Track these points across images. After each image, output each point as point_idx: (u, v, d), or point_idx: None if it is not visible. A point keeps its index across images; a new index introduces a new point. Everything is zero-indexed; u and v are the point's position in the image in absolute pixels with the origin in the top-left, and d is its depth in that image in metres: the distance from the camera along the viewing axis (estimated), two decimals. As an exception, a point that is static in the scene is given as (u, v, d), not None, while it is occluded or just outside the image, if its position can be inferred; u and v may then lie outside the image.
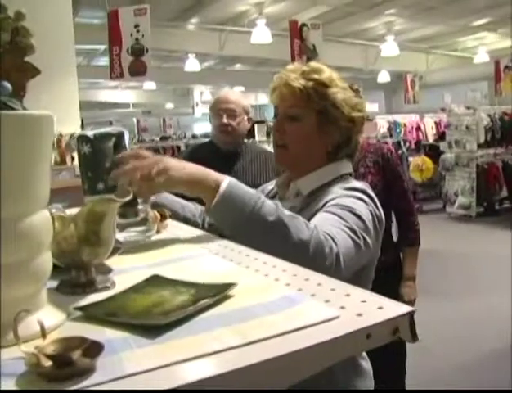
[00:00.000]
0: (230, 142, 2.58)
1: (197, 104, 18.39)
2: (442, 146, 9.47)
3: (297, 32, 8.30)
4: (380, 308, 0.68)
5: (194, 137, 12.81)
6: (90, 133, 1.45)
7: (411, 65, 13.72)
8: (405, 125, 10.28)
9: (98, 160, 1.47)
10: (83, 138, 1.48)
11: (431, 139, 10.50)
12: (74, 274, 0.94)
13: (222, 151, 2.59)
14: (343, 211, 1.20)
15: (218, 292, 0.78)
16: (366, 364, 1.37)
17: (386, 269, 2.17)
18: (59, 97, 7.59)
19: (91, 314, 0.76)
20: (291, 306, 0.72)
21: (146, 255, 1.12)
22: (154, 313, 0.75)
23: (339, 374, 1.25)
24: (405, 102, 13.41)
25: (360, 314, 0.67)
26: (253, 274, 0.90)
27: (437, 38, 12.95)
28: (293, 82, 1.35)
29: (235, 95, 2.67)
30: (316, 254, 1.04)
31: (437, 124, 10.66)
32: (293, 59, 8.29)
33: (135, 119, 16.52)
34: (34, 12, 4.77)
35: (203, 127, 16.28)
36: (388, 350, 2.15)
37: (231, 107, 2.53)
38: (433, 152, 9.55)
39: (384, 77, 14.45)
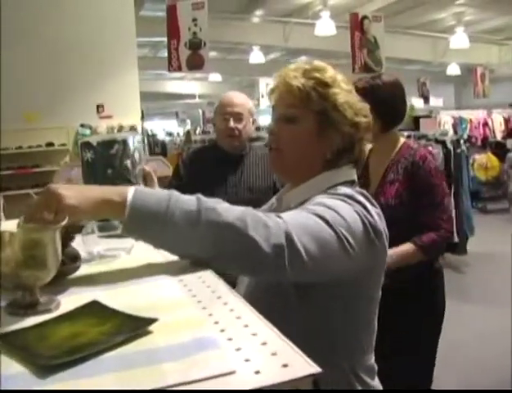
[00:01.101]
0: (236, 146, 2.55)
1: (262, 96, 18.36)
2: (510, 143, 8.98)
3: (357, 24, 8.10)
4: (285, 365, 0.61)
5: (257, 129, 12.77)
6: (94, 139, 1.46)
7: (483, 57, 13.12)
8: (471, 121, 9.84)
9: (101, 168, 1.48)
10: (86, 145, 1.49)
11: (499, 136, 9.96)
12: (20, 295, 0.93)
13: (227, 155, 2.56)
14: (317, 206, 1.08)
15: (139, 327, 0.77)
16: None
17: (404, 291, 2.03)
18: (120, 89, 7.78)
19: (5, 344, 0.75)
20: (196, 353, 0.68)
21: (107, 274, 1.09)
22: (64, 348, 0.73)
23: None
24: (474, 96, 12.84)
25: (258, 372, 0.60)
26: (192, 306, 0.85)
27: (510, 30, 12.29)
28: (291, 80, 1.22)
29: (241, 98, 2.58)
30: (250, 231, 0.94)
31: (506, 121, 10.10)
32: (353, 52, 8.11)
33: (200, 111, 16.72)
34: (98, 6, 4.93)
35: (268, 119, 16.27)
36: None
37: (238, 111, 2.49)
38: (500, 150, 9.07)
39: (453, 70, 13.88)
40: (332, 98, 1.21)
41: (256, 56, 12.96)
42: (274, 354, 0.65)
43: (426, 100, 13.00)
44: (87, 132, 7.53)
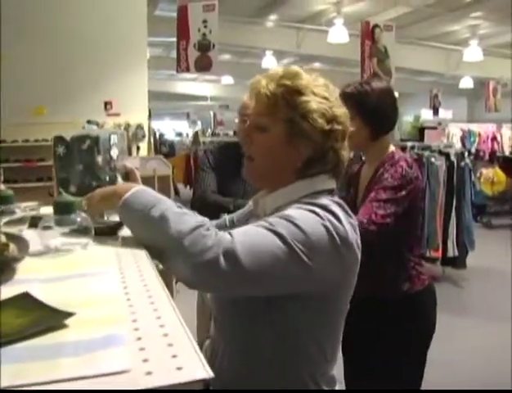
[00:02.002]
0: None
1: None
2: (517, 158, 8.91)
3: (368, 33, 8.06)
4: (179, 368, 0.61)
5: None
6: (67, 134, 1.46)
7: (496, 71, 13.02)
8: (480, 135, 9.76)
9: (72, 163, 1.48)
10: (59, 139, 1.49)
11: (507, 151, 9.88)
12: (-45, 284, 0.93)
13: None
14: (278, 219, 1.07)
15: (55, 321, 0.76)
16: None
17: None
18: (128, 87, 7.82)
19: None
20: (99, 349, 0.68)
21: (53, 266, 1.10)
22: None
23: None
24: (485, 110, 12.74)
25: (150, 373, 0.59)
26: (119, 303, 0.85)
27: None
28: (261, 88, 1.20)
29: None
30: (191, 245, 0.97)
31: (516, 136, 10.01)
32: (363, 60, 8.09)
33: (211, 113, 16.76)
34: (110, 3, 4.96)
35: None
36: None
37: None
38: (508, 165, 8.99)
39: (466, 83, 13.79)
40: (301, 106, 1.18)
41: (268, 61, 12.97)
42: (174, 356, 0.65)
43: (436, 112, 12.92)
44: (94, 128, 7.56)
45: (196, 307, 2.80)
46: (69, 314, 0.77)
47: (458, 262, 5.76)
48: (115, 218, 1.32)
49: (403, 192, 1.91)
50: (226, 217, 1.52)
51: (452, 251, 5.63)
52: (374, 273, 1.85)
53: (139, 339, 0.70)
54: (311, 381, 1.18)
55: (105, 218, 1.46)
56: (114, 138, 1.58)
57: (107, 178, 1.52)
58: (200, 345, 1.32)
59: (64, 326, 0.75)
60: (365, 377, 1.99)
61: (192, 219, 1.03)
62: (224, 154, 2.75)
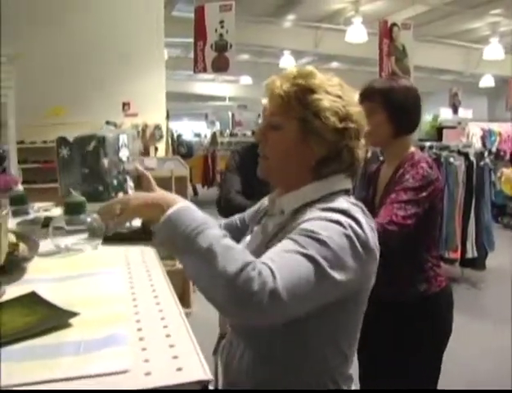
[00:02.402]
0: None
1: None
2: (539, 158, 8.75)
3: (386, 32, 7.99)
4: (179, 369, 0.61)
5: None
6: (71, 135, 1.43)
7: (518, 69, 12.85)
8: (500, 134, 9.63)
9: (76, 166, 1.44)
10: (62, 141, 1.45)
11: (529, 151, 9.74)
12: (-34, 282, 0.94)
13: None
14: (306, 238, 1.05)
15: (60, 320, 0.77)
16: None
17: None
18: (146, 88, 7.86)
19: None
20: (101, 349, 0.69)
21: (62, 265, 1.12)
22: None
23: None
24: (506, 109, 12.56)
25: (149, 373, 0.59)
26: (124, 302, 0.86)
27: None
28: (275, 89, 1.20)
29: None
30: (238, 288, 0.92)
31: (538, 135, 9.84)
32: (381, 59, 8.02)
33: (230, 113, 16.77)
34: (127, 4, 4.92)
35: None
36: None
37: None
38: (529, 165, 8.85)
39: (487, 81, 13.59)
40: (313, 105, 1.16)
41: (286, 61, 12.94)
42: (175, 357, 0.65)
43: (455, 110, 12.77)
44: (112, 128, 7.62)
45: None
46: (74, 314, 0.78)
47: (477, 263, 5.67)
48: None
49: (424, 194, 1.90)
50: (236, 218, 1.51)
51: (471, 252, 5.54)
52: (391, 273, 1.83)
53: (141, 339, 0.70)
54: (330, 380, 1.19)
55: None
56: (123, 139, 1.53)
57: (115, 182, 1.47)
58: (216, 344, 1.32)
59: (68, 325, 0.76)
60: (379, 377, 1.98)
61: (239, 255, 0.96)
62: (249, 155, 2.77)
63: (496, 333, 4.21)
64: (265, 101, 2.55)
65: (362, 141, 1.22)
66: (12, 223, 1.33)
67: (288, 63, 12.95)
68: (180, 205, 1.01)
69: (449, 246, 5.50)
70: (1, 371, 0.62)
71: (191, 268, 0.97)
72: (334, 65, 15.69)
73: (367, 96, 1.98)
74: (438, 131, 6.62)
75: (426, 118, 9.49)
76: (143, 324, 0.75)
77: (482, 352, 3.91)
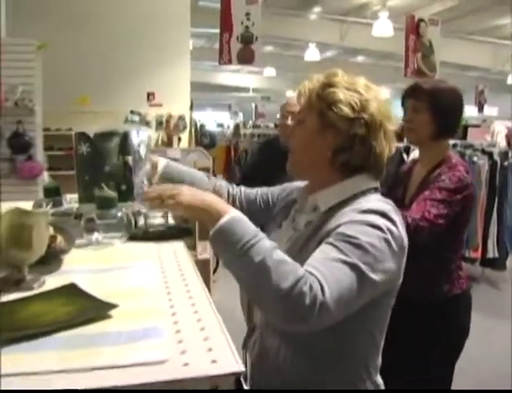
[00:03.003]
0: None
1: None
2: None
3: (413, 27, 7.93)
4: (214, 361, 0.65)
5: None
6: (91, 130, 1.40)
7: (547, 67, 12.64)
8: (526, 133, 9.50)
9: (97, 163, 1.38)
10: (81, 136, 1.39)
11: (555, 151, 9.57)
12: (9, 272, 1.00)
13: (284, 149, 2.65)
14: (348, 245, 1.08)
15: (99, 312, 0.82)
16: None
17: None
18: (171, 78, 7.91)
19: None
20: (139, 340, 0.73)
21: (96, 258, 1.17)
22: (26, 323, 0.80)
23: None
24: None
25: (186, 364, 0.64)
26: (159, 296, 0.90)
27: None
28: (304, 88, 1.31)
29: None
30: (291, 304, 0.96)
31: None
32: (406, 55, 7.97)
33: (253, 104, 16.75)
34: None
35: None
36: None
37: (295, 110, 2.67)
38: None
39: (514, 79, 13.44)
40: (328, 97, 1.24)
41: (311, 54, 12.88)
42: (210, 349, 0.69)
43: (481, 108, 12.63)
44: (136, 118, 7.71)
45: (241, 298, 2.87)
46: (113, 306, 0.82)
47: (498, 263, 5.63)
48: None
49: (458, 196, 1.92)
50: (258, 194, 1.53)
51: (492, 252, 5.52)
52: (418, 272, 1.86)
53: (178, 332, 0.75)
54: (365, 372, 1.26)
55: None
56: (141, 135, 1.50)
57: (137, 181, 1.43)
58: (245, 338, 1.36)
59: (108, 317, 0.80)
60: (396, 374, 2.00)
61: (291, 269, 0.99)
62: (265, 149, 2.83)
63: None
64: (288, 96, 2.63)
65: (382, 135, 1.26)
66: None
67: (313, 56, 12.89)
68: (231, 215, 1.04)
69: (470, 245, 5.48)
70: (47, 358, 0.66)
71: (244, 279, 1.01)
72: (360, 58, 15.59)
73: (414, 94, 2.04)
74: (463, 129, 6.56)
75: (451, 115, 9.45)
76: (178, 317, 0.80)
77: (501, 352, 3.91)
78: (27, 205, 1.47)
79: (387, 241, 1.12)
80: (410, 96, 2.05)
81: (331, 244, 1.09)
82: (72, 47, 7.21)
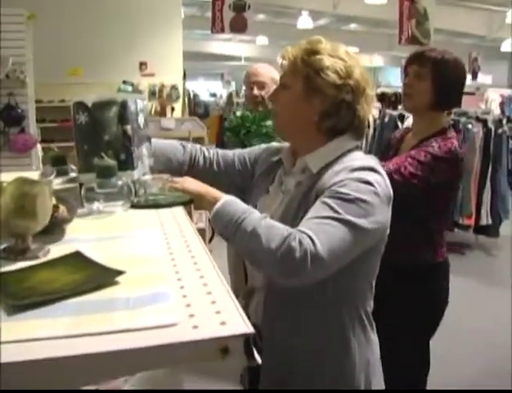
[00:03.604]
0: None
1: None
2: (560, 125, 8.60)
3: (407, -7, 7.85)
4: (223, 323, 0.66)
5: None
6: (89, 99, 1.38)
7: (541, 34, 12.54)
8: (520, 101, 9.50)
9: (96, 132, 1.36)
10: (79, 106, 1.36)
11: (549, 118, 9.58)
12: (13, 242, 1.00)
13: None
14: (341, 201, 1.17)
15: (107, 278, 0.83)
16: (373, 335, 1.40)
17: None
18: (163, 48, 7.83)
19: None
20: (148, 304, 0.75)
21: (101, 226, 1.17)
22: (36, 290, 0.81)
23: (353, 340, 1.32)
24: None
25: (196, 327, 0.65)
26: (164, 262, 0.92)
27: None
28: (287, 53, 1.35)
29: (265, 68, 2.84)
30: (283, 261, 1.08)
31: (559, 102, 9.68)
32: (401, 22, 7.90)
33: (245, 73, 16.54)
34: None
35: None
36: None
37: (260, 79, 2.74)
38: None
39: (508, 46, 13.30)
40: (314, 64, 1.29)
41: (304, 22, 12.71)
42: (218, 312, 0.70)
43: (474, 76, 12.57)
44: (129, 88, 7.64)
45: (228, 263, 2.90)
46: (120, 272, 0.83)
47: (491, 230, 5.70)
48: None
49: (443, 165, 1.91)
50: (234, 157, 1.57)
51: (486, 219, 5.57)
52: (404, 239, 1.88)
53: (185, 296, 0.76)
54: (364, 313, 1.35)
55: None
56: (140, 103, 1.48)
57: (136, 150, 1.42)
58: (241, 301, 1.41)
59: (115, 283, 0.82)
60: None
61: (279, 231, 1.11)
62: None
63: (507, 299, 4.27)
64: (253, 67, 2.71)
65: (364, 100, 1.34)
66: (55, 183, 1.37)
67: (305, 24, 12.73)
68: (225, 199, 1.22)
69: (463, 213, 5.53)
70: (58, 323, 0.67)
71: (242, 248, 1.18)
72: (353, 26, 15.41)
73: (418, 60, 2.02)
74: (457, 97, 6.55)
75: (444, 83, 9.41)
76: (184, 282, 0.81)
77: (495, 317, 3.98)
78: (32, 175, 1.48)
79: (376, 194, 1.21)
80: (414, 62, 2.04)
81: (324, 203, 1.18)
82: (62, 18, 7.11)
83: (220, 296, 0.76)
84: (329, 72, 1.28)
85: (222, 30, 7.19)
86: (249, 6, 7.06)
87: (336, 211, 1.15)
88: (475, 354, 3.36)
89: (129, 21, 7.49)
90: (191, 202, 1.33)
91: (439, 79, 1.97)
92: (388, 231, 1.33)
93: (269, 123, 2.51)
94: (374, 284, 1.39)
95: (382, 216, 1.23)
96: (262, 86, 2.74)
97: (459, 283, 4.58)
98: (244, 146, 2.36)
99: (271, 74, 2.76)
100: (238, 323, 0.67)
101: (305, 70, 1.30)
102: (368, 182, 1.21)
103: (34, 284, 0.83)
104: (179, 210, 1.32)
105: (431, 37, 8.02)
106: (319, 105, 1.30)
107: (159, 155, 1.55)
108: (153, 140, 1.56)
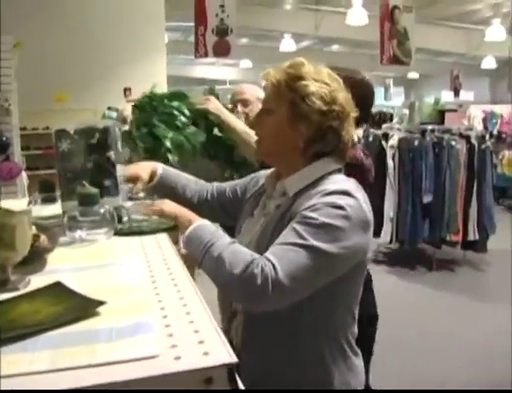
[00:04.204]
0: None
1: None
2: (540, 140, 8.73)
3: (388, 14, 7.97)
4: (206, 353, 0.65)
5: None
6: (71, 127, 1.37)
7: (520, 51, 12.76)
8: (502, 116, 9.62)
9: (79, 160, 1.36)
10: (61, 133, 1.36)
11: (531, 133, 9.72)
12: (-8, 273, 0.98)
13: None
14: (308, 227, 1.16)
15: (88, 309, 0.81)
16: (358, 361, 1.37)
17: None
18: (147, 73, 7.84)
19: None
20: (130, 335, 0.73)
21: (80, 255, 1.16)
22: (18, 323, 0.79)
23: (333, 368, 1.28)
24: (508, 90, 12.51)
25: (178, 358, 0.64)
26: (147, 290, 0.90)
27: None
28: (269, 78, 1.32)
29: (250, 88, 2.86)
30: (245, 286, 1.09)
31: (540, 117, 9.80)
32: (382, 42, 8.01)
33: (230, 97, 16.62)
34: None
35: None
36: None
37: (245, 97, 2.76)
38: (531, 147, 8.84)
39: (488, 63, 13.51)
40: (300, 89, 1.27)
41: (287, 44, 12.85)
42: (201, 342, 0.69)
43: (457, 93, 12.76)
44: (114, 114, 7.59)
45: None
46: (101, 303, 0.81)
47: (479, 246, 5.71)
48: None
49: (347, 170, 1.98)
50: (227, 188, 1.59)
51: (473, 235, 5.59)
52: None
53: (167, 326, 0.74)
54: (345, 341, 1.31)
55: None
56: (117, 130, 1.47)
57: (119, 176, 1.43)
58: (226, 324, 1.39)
59: (96, 314, 0.80)
60: None
61: (243, 257, 1.12)
62: None
63: (500, 314, 4.27)
64: (238, 87, 2.72)
65: (348, 124, 1.34)
66: (41, 210, 1.36)
67: (288, 46, 12.87)
68: (198, 223, 1.24)
69: (451, 229, 5.55)
70: (40, 358, 0.65)
71: (209, 272, 1.17)
72: (335, 47, 15.60)
73: None
74: (440, 114, 6.62)
75: (427, 101, 9.47)
76: (167, 311, 0.80)
77: (484, 332, 3.98)
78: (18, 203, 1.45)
79: (347, 217, 1.18)
80: None
81: (293, 228, 1.17)
82: (46, 46, 7.13)
83: (203, 325, 0.74)
84: (314, 98, 1.27)
85: (206, 55, 7.25)
86: (232, 30, 7.14)
87: (302, 237, 1.14)
88: (468, 367, 3.35)
89: (113, 47, 7.52)
90: (175, 228, 1.32)
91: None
92: (369, 255, 1.31)
93: (176, 103, 2.31)
94: (356, 311, 1.35)
95: (353, 241, 1.18)
96: (246, 104, 2.74)
97: (449, 299, 4.66)
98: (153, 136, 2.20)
99: (256, 93, 2.79)
100: (221, 353, 0.65)
101: (290, 95, 1.28)
102: (339, 207, 1.18)
103: (14, 318, 0.81)
104: (163, 237, 1.31)
105: (412, 56, 8.14)
106: (304, 131, 1.29)
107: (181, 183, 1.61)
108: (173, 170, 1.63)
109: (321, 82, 1.29)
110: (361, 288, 1.35)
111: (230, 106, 2.79)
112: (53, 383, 0.62)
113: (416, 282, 5.16)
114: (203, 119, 2.29)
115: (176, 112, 2.23)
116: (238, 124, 2.23)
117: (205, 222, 1.25)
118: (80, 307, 0.82)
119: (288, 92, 1.28)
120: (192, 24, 7.41)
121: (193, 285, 0.91)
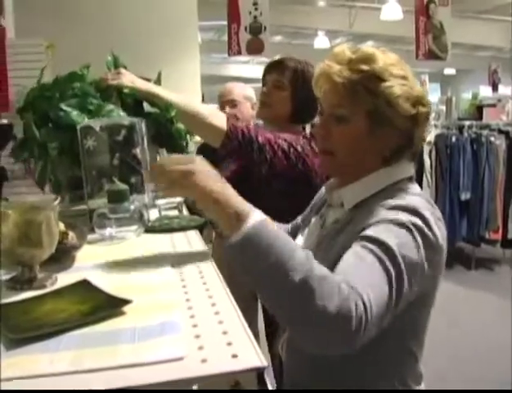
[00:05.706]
0: None
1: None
2: None
3: (422, 9, 7.79)
4: (234, 356, 0.61)
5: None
6: (96, 123, 1.35)
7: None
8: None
9: (105, 157, 1.33)
10: (86, 130, 1.33)
11: None
12: (20, 271, 0.97)
13: None
14: (380, 251, 0.93)
15: (114, 308, 0.79)
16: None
17: None
18: (181, 74, 7.87)
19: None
20: (155, 336, 0.70)
21: (109, 253, 1.14)
22: (40, 322, 0.77)
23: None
24: (549, 86, 12.14)
25: (205, 360, 0.60)
26: (175, 289, 0.87)
27: None
28: (335, 76, 1.09)
29: (237, 87, 2.83)
30: (339, 330, 0.82)
31: None
32: (417, 37, 7.84)
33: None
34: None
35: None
36: None
37: (232, 98, 2.73)
38: None
39: (528, 57, 13.19)
40: (385, 93, 1.07)
41: (321, 41, 12.77)
42: (229, 343, 0.66)
43: (495, 88, 12.43)
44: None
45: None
46: (127, 301, 0.79)
47: (517, 243, 5.56)
48: None
49: (280, 153, 1.75)
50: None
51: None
52: None
53: (195, 326, 0.71)
54: (399, 381, 1.12)
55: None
56: (143, 127, 1.44)
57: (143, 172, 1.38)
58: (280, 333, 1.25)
59: (121, 313, 0.77)
60: None
61: (333, 286, 0.82)
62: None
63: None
64: (226, 86, 2.63)
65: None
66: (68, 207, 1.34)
67: (322, 44, 12.79)
68: (256, 220, 0.84)
69: (490, 227, 5.41)
70: (61, 358, 0.63)
71: (275, 297, 0.83)
72: (370, 44, 15.39)
73: (277, 68, 1.93)
74: (478, 109, 6.42)
75: (465, 96, 9.24)
76: (195, 311, 0.77)
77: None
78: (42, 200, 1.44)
79: (417, 245, 0.98)
80: (272, 70, 1.95)
81: (366, 248, 0.94)
82: (80, 45, 7.19)
83: (232, 326, 0.71)
84: (401, 102, 1.07)
85: (239, 53, 7.22)
86: (265, 28, 7.09)
87: (382, 261, 0.92)
88: (495, 370, 3.24)
89: (146, 48, 7.53)
90: (206, 225, 1.29)
91: (300, 91, 1.87)
92: (438, 285, 1.11)
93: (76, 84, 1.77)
94: (420, 350, 1.15)
95: (424, 269, 0.99)
96: (233, 104, 2.70)
97: (489, 299, 4.53)
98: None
99: (243, 92, 2.75)
100: (251, 356, 0.61)
101: (371, 100, 1.08)
102: (406, 227, 0.98)
103: (40, 316, 0.79)
104: (193, 234, 1.27)
105: (449, 51, 7.95)
106: (391, 139, 1.10)
107: None
108: None
109: (400, 77, 1.09)
110: (424, 324, 1.15)
111: (218, 107, 2.72)
112: (72, 385, 0.59)
113: (455, 281, 5.03)
114: (128, 96, 1.86)
115: (80, 93, 1.71)
116: (169, 95, 1.79)
117: (261, 214, 0.87)
118: (106, 306, 0.80)
119: (368, 97, 1.08)
120: (225, 22, 7.40)
121: (223, 284, 0.87)
